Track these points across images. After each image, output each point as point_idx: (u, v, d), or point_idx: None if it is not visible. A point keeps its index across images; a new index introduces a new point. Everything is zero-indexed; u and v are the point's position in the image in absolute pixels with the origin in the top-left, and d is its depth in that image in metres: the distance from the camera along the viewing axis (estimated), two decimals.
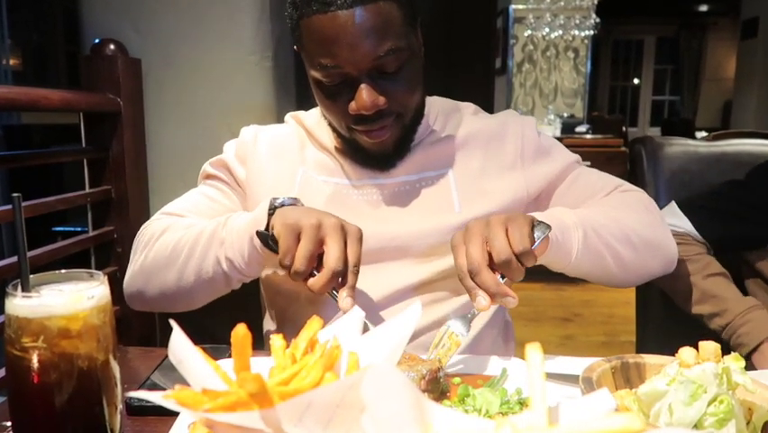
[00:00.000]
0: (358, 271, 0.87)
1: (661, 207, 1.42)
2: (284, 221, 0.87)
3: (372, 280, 1.04)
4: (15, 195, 0.56)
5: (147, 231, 1.07)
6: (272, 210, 0.91)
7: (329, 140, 1.10)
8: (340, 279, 0.87)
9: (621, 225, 1.01)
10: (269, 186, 1.08)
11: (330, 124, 1.06)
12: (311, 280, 0.86)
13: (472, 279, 0.84)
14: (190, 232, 1.00)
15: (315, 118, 1.14)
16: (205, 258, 0.97)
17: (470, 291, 0.85)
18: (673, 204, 1.28)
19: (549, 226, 0.88)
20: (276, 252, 0.88)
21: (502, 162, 1.10)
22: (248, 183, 1.11)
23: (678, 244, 1.19)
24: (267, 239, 0.90)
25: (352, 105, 0.95)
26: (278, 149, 1.12)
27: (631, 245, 1.01)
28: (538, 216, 0.92)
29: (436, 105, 1.14)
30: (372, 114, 0.95)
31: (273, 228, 0.89)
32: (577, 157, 1.16)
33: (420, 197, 1.07)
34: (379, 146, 1.02)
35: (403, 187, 1.07)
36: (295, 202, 0.94)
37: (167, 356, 0.91)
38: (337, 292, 0.87)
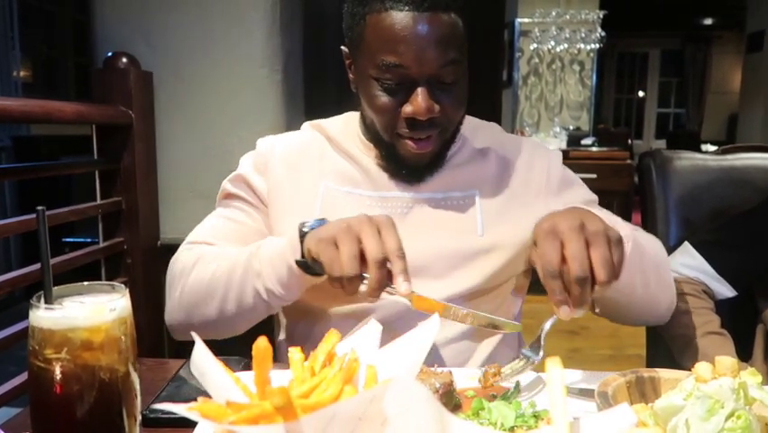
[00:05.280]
0: (403, 255, 0.82)
1: (669, 222, 1.44)
2: (318, 239, 0.85)
3: (386, 297, 1.03)
4: (40, 208, 0.57)
5: (178, 264, 1.06)
6: (302, 236, 0.89)
7: (355, 149, 1.08)
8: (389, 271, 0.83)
9: (654, 256, 1.00)
10: (288, 201, 1.07)
11: (370, 128, 1.03)
12: (365, 288, 0.83)
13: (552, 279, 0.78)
14: (223, 264, 0.99)
15: (338, 126, 1.12)
16: (243, 291, 0.96)
17: (554, 295, 0.78)
18: (687, 244, 1.27)
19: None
20: (319, 274, 0.87)
21: (527, 191, 1.09)
22: (268, 197, 1.09)
23: (686, 294, 1.18)
24: (307, 265, 0.89)
25: (407, 108, 0.95)
26: (296, 160, 1.10)
27: (656, 278, 1.00)
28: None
29: (463, 121, 1.11)
30: (424, 120, 0.95)
31: (309, 252, 0.87)
32: (596, 197, 1.14)
33: (444, 216, 1.05)
34: (417, 157, 1.01)
35: (428, 204, 1.06)
36: (322, 223, 0.91)
37: (179, 369, 0.93)
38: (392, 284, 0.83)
